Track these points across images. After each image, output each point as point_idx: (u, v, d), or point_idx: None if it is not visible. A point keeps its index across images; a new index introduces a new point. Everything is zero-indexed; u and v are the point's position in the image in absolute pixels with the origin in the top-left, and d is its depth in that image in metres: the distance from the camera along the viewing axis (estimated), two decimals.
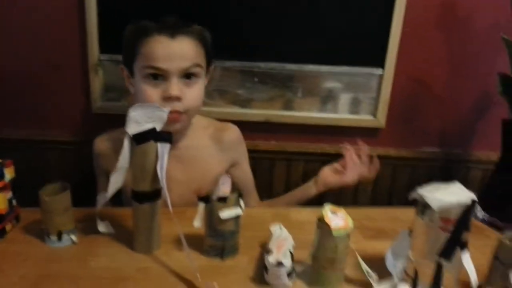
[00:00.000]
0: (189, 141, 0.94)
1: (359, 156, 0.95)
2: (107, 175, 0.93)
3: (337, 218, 0.64)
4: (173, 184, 0.94)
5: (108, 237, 0.78)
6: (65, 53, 1.08)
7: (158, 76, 0.82)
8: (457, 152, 1.21)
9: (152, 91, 0.83)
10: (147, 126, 0.70)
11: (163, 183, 0.69)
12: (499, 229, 0.89)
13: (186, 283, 0.66)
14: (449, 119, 1.20)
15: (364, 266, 0.68)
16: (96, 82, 1.10)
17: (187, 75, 0.83)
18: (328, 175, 0.96)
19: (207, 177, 0.94)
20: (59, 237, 0.74)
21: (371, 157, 0.95)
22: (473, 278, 0.59)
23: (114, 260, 0.72)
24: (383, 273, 0.66)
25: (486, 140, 1.20)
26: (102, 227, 0.79)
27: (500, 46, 0.91)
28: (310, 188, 0.97)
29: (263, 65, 1.11)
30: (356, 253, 0.68)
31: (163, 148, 0.71)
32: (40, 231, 0.76)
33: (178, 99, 0.82)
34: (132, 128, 0.70)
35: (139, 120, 0.70)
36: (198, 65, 0.83)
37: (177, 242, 0.76)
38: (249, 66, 1.12)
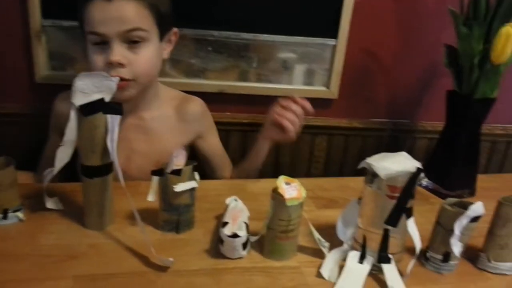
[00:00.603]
0: (154, 112, 0.92)
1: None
2: (61, 135, 0.91)
3: (291, 189, 0.66)
4: (134, 155, 0.92)
5: (58, 213, 0.75)
6: (3, 19, 1.00)
7: (101, 42, 0.78)
8: (405, 122, 1.26)
9: (97, 58, 0.79)
10: (95, 96, 0.67)
11: (114, 156, 0.67)
12: (442, 195, 0.94)
13: (140, 258, 0.65)
14: (398, 90, 1.23)
15: (316, 234, 0.70)
16: (39, 50, 1.03)
17: (131, 40, 0.79)
18: (267, 129, 0.95)
19: (169, 149, 0.92)
20: (5, 215, 0.71)
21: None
22: (417, 243, 0.63)
23: (65, 237, 0.69)
24: (335, 241, 0.69)
25: (432, 110, 1.25)
26: (50, 203, 0.76)
27: (447, 18, 0.94)
28: (260, 144, 0.97)
29: (217, 34, 1.09)
30: (309, 222, 0.70)
31: (113, 120, 0.68)
32: None
33: (121, 65, 0.78)
34: (79, 98, 0.66)
35: (86, 90, 0.66)
36: (140, 29, 0.78)
37: (131, 218, 0.75)
38: (202, 35, 1.09)
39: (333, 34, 1.13)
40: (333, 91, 1.18)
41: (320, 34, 1.13)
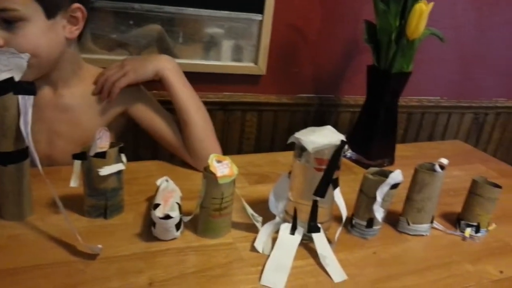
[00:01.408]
0: (74, 89, 0.85)
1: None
2: None
3: (222, 167, 0.66)
4: (57, 138, 0.85)
5: None
6: None
7: None
8: (330, 97, 1.31)
9: None
10: (3, 75, 0.61)
11: (29, 141, 0.62)
12: (364, 165, 1.00)
13: (66, 247, 0.62)
14: (323, 65, 1.27)
15: (249, 210, 0.71)
16: None
17: (5, 19, 0.71)
18: None
19: (92, 129, 0.86)
20: None
21: None
22: (343, 211, 0.66)
23: None
24: (268, 215, 0.71)
25: (354, 85, 1.31)
26: None
27: None
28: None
29: (138, 6, 1.03)
30: (242, 198, 0.71)
31: (25, 101, 0.62)
32: None
33: None
34: None
35: None
36: (9, 9, 0.70)
37: (53, 205, 0.70)
38: (122, 7, 1.02)
39: (259, 9, 1.13)
40: (261, 67, 1.18)
41: (246, 9, 1.12)
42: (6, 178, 0.65)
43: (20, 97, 0.62)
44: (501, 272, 0.67)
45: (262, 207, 0.73)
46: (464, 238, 0.75)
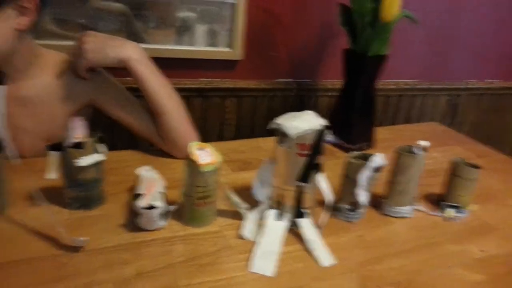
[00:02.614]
0: (33, 80, 0.81)
1: None
2: None
3: (205, 154, 0.65)
4: (21, 133, 0.81)
5: None
6: None
7: None
8: (307, 81, 1.31)
9: None
10: None
11: (2, 132, 0.59)
12: (344, 149, 1.01)
13: (49, 241, 0.60)
14: (299, 50, 1.26)
15: (234, 197, 0.71)
16: None
17: None
18: None
19: (56, 120, 0.83)
20: None
21: None
22: (328, 196, 0.67)
23: None
24: (252, 202, 0.70)
25: (331, 69, 1.31)
26: None
27: None
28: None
29: None
30: (226, 186, 0.70)
31: None
32: None
33: None
34: None
35: None
36: None
37: (31, 198, 0.68)
38: None
39: None
40: (236, 52, 1.17)
41: None
42: None
43: None
44: (482, 251, 0.70)
45: (246, 194, 0.72)
46: (446, 219, 0.77)
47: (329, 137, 1.05)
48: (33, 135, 0.82)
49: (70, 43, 0.97)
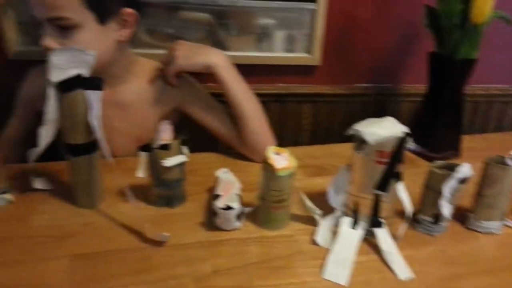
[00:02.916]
0: (129, 86, 0.89)
1: None
2: (31, 112, 0.90)
3: (281, 159, 0.66)
4: (114, 134, 0.89)
5: (47, 193, 0.74)
6: None
7: (40, 23, 0.75)
8: (388, 86, 1.26)
9: (41, 38, 0.76)
10: (72, 72, 0.64)
11: (99, 134, 0.65)
12: (427, 158, 0.96)
13: (135, 234, 0.65)
14: (379, 53, 1.23)
15: (308, 202, 0.71)
16: (8, 25, 0.97)
17: (61, 26, 0.74)
18: None
19: (147, 123, 0.90)
20: None
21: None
22: (408, 206, 0.64)
23: (57, 217, 0.68)
24: (327, 208, 0.70)
25: (414, 73, 1.26)
26: (38, 183, 0.74)
27: None
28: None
29: (192, 0, 1.05)
30: (300, 191, 0.71)
31: (94, 96, 0.66)
32: None
33: (51, 50, 0.73)
34: (56, 75, 0.64)
35: (62, 65, 0.64)
36: (64, 18, 0.73)
37: (121, 194, 0.74)
38: (177, 2, 1.05)
39: None
40: (315, 57, 1.17)
41: None
42: (78, 169, 0.69)
43: (88, 92, 0.65)
44: None
45: (320, 200, 0.72)
46: None
47: (410, 144, 1.01)
48: (125, 136, 0.90)
49: (160, 51, 1.05)
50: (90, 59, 0.66)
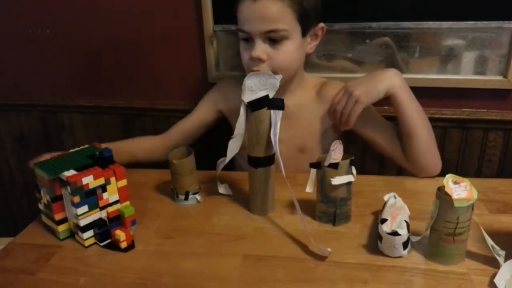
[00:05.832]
0: (297, 99, 0.96)
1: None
2: (207, 108, 1.05)
3: (460, 189, 0.61)
4: (280, 144, 0.96)
5: (228, 198, 0.85)
6: (181, 24, 1.14)
7: (248, 38, 0.86)
8: None
9: (244, 53, 0.88)
10: (261, 93, 0.73)
11: (276, 149, 0.72)
12: None
13: (299, 245, 0.69)
14: None
15: (490, 241, 0.63)
16: (211, 53, 1.15)
17: (272, 38, 0.84)
18: None
19: (310, 134, 0.96)
20: (186, 197, 0.82)
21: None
22: None
23: (234, 219, 0.78)
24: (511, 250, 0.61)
25: None
26: (222, 189, 0.86)
27: None
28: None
29: (375, 25, 1.05)
30: (481, 226, 0.64)
31: (276, 115, 0.73)
32: (170, 191, 0.85)
33: (261, 60, 0.84)
34: (247, 96, 0.73)
35: (253, 88, 0.73)
36: (280, 30, 0.82)
37: (290, 206, 0.79)
38: (359, 27, 1.07)
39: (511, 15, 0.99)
40: (511, 80, 1.03)
41: (494, 16, 1.00)
42: (256, 179, 0.77)
43: (272, 111, 0.73)
44: None
45: (504, 240, 0.64)
46: None
47: None
48: (288, 144, 0.96)
49: (334, 75, 1.08)
50: (276, 82, 0.73)
